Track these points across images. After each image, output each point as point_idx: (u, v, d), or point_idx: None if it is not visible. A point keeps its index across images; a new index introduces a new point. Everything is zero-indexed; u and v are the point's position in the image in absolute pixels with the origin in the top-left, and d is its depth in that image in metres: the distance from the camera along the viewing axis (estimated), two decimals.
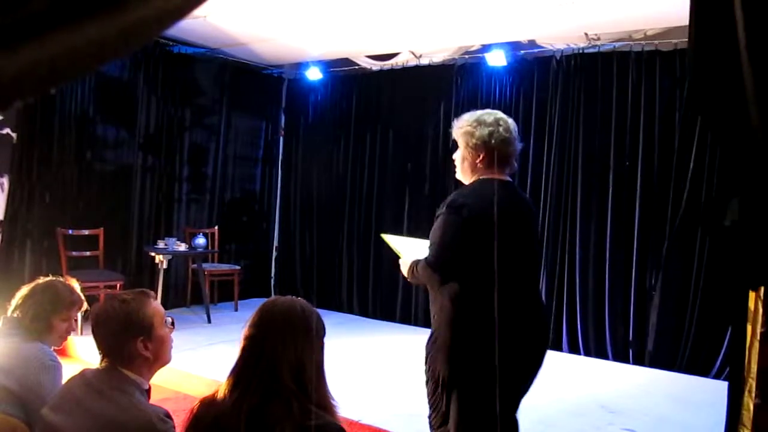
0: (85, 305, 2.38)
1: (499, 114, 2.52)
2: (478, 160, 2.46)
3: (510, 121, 2.52)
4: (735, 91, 1.34)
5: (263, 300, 1.70)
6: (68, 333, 2.34)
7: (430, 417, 2.57)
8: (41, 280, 2.32)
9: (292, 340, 1.52)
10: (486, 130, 2.44)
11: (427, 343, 2.52)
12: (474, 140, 2.45)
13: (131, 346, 1.72)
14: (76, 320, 2.40)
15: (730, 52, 1.33)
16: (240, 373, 1.54)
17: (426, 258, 2.42)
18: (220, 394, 1.55)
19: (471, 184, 2.50)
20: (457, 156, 2.55)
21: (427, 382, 2.53)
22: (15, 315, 2.24)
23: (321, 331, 1.62)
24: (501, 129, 2.46)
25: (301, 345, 1.53)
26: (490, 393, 2.25)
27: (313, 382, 1.53)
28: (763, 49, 1.29)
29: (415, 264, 2.48)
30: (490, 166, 2.45)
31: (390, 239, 2.79)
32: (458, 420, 2.39)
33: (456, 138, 2.55)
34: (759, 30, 1.29)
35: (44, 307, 2.22)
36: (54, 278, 2.36)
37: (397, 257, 2.68)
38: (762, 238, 1.45)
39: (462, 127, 2.50)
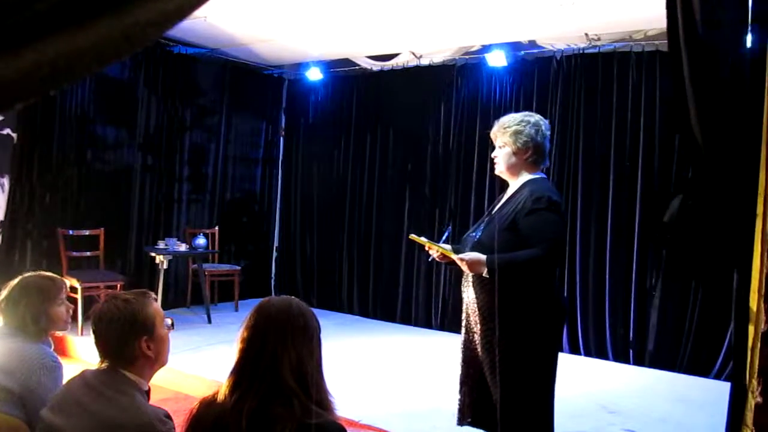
0: (66, 281, 2.36)
1: (537, 115, 2.78)
2: (526, 157, 2.69)
3: (546, 121, 2.77)
4: (685, 110, 1.51)
5: None
6: (69, 313, 2.33)
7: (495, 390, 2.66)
8: (13, 283, 2.26)
9: (292, 340, 1.52)
10: (532, 129, 2.68)
11: (487, 332, 2.64)
12: (523, 137, 2.68)
13: (134, 346, 1.72)
14: (68, 296, 2.38)
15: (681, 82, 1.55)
16: (240, 376, 1.53)
17: (542, 251, 2.52)
18: (221, 396, 1.54)
19: (539, 181, 2.71)
20: (500, 154, 2.75)
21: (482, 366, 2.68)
22: (7, 319, 2.22)
23: (317, 329, 1.62)
24: (543, 127, 2.71)
25: (300, 344, 1.53)
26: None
27: (314, 380, 1.53)
28: (702, 82, 1.52)
29: (509, 258, 2.54)
30: (536, 162, 2.72)
31: (422, 239, 2.82)
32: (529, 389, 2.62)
33: (498, 137, 2.76)
34: (699, 68, 1.52)
35: (37, 304, 2.20)
36: (23, 276, 2.30)
37: (431, 254, 2.78)
38: (698, 236, 1.52)
39: (510, 126, 2.71)
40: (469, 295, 2.74)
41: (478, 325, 2.67)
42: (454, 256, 2.63)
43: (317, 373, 1.56)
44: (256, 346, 1.54)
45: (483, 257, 2.54)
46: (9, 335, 2.18)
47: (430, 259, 2.86)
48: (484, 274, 2.57)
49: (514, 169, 2.74)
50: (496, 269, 2.53)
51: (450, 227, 3.19)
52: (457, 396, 2.83)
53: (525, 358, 2.57)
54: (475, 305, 2.68)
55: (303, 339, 1.54)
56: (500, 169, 2.79)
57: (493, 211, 2.81)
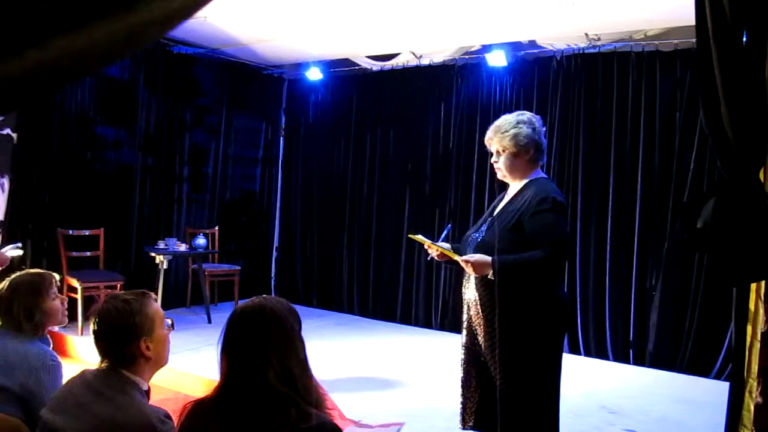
0: (56, 275, 2.36)
1: (527, 113, 2.77)
2: (527, 157, 2.69)
3: (539, 117, 2.77)
4: (716, 109, 1.47)
5: None
6: (64, 305, 2.33)
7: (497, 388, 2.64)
8: (2, 285, 2.25)
9: (270, 347, 1.48)
10: (529, 128, 2.68)
11: (493, 336, 2.61)
12: (523, 139, 2.66)
13: (133, 346, 1.72)
14: (67, 295, 2.38)
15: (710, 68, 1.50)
16: (228, 391, 1.50)
17: (548, 252, 2.51)
18: (211, 395, 1.53)
19: (544, 181, 2.71)
20: (501, 159, 2.72)
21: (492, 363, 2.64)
22: (2, 321, 2.22)
23: (296, 325, 1.56)
24: (537, 124, 2.71)
25: (281, 348, 1.49)
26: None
27: (303, 380, 1.49)
28: (730, 67, 1.47)
29: (515, 260, 2.52)
30: (536, 161, 2.72)
31: (421, 237, 2.80)
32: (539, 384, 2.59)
33: (495, 142, 2.72)
34: (727, 55, 1.47)
35: (28, 301, 2.20)
36: (11, 276, 2.30)
37: (430, 253, 2.76)
38: (732, 241, 1.48)
39: (507, 130, 2.69)
40: (470, 295, 2.70)
41: (482, 326, 2.64)
42: (457, 258, 2.61)
43: (305, 371, 1.52)
44: (236, 361, 1.50)
45: (488, 259, 2.52)
46: (7, 336, 2.18)
47: (429, 258, 2.84)
48: (489, 276, 2.54)
49: (516, 172, 2.72)
50: (500, 270, 2.51)
51: (450, 225, 3.16)
52: (459, 399, 2.80)
53: (530, 359, 2.55)
54: (478, 305, 2.65)
55: (283, 344, 1.50)
56: (503, 174, 2.77)
57: (495, 212, 2.77)
